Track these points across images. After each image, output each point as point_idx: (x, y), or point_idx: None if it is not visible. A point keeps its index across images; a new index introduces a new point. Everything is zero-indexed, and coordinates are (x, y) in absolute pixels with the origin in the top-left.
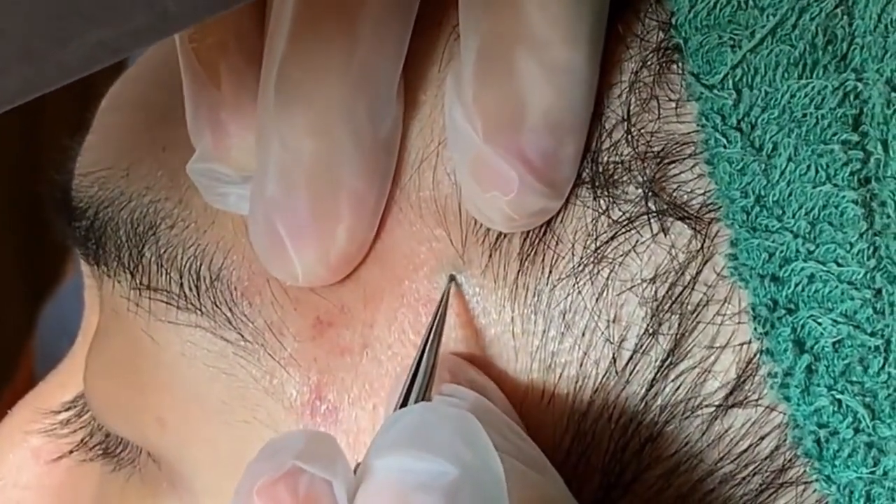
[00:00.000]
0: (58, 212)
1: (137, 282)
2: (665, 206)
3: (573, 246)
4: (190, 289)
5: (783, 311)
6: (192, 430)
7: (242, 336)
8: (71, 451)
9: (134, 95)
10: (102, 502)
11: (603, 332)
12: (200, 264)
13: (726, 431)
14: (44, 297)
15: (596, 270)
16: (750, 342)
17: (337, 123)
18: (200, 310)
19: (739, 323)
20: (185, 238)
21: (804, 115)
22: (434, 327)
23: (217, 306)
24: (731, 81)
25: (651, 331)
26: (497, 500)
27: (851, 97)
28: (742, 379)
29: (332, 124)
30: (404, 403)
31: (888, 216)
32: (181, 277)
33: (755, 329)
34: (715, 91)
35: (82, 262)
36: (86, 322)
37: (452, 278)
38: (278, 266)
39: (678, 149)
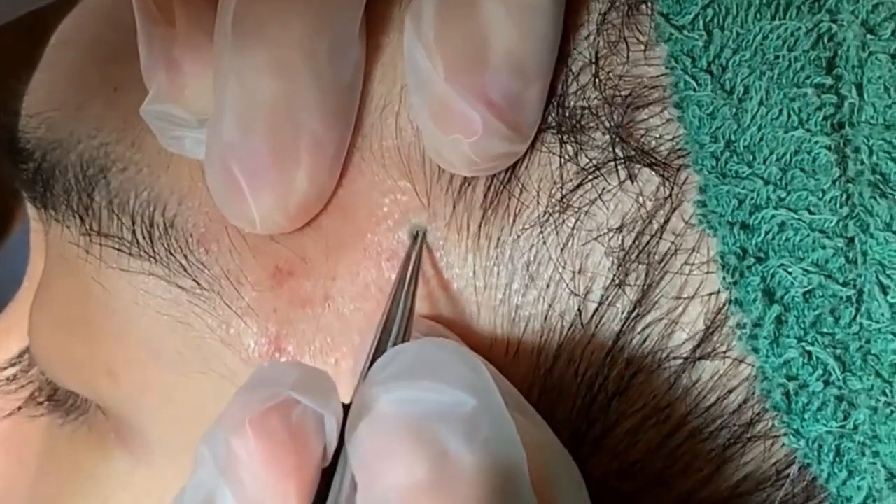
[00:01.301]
0: (4, 153)
1: (87, 227)
2: (633, 153)
3: (538, 194)
4: (143, 235)
5: (753, 260)
6: (145, 382)
7: (198, 284)
8: (19, 408)
9: (85, 33)
10: (50, 453)
11: (568, 284)
12: (154, 210)
13: (694, 385)
14: None
15: (561, 220)
16: (718, 292)
17: (297, 63)
18: (154, 257)
19: (708, 272)
20: (138, 182)
21: (776, 58)
22: (410, 271)
23: (171, 254)
24: (701, 22)
25: (617, 282)
26: (510, 433)
27: (825, 39)
28: (710, 330)
29: (292, 64)
30: (378, 349)
31: (862, 162)
32: (133, 223)
33: (724, 278)
34: (685, 32)
35: (29, 205)
36: (31, 267)
37: (424, 233)
38: (236, 212)
39: (647, 93)
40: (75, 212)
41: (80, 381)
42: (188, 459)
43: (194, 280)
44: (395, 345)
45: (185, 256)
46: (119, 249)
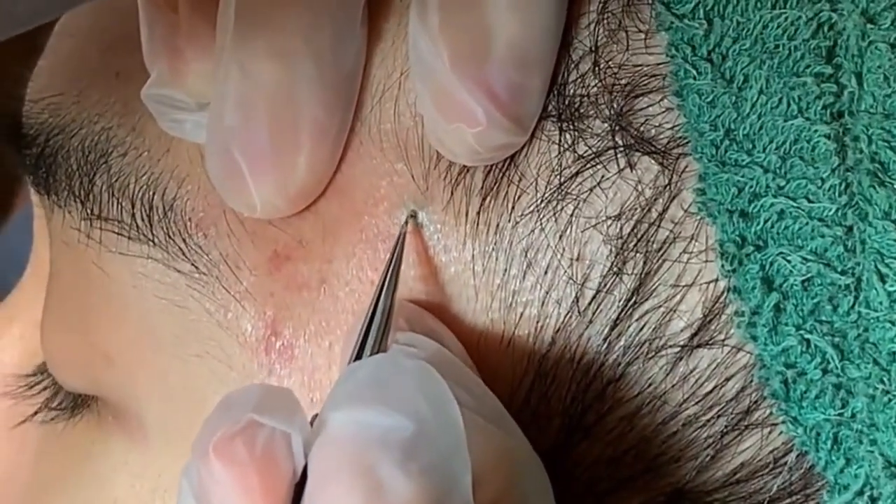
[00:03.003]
0: (8, 139)
1: (88, 211)
2: (632, 141)
3: (536, 181)
4: (142, 219)
5: (752, 248)
6: (142, 365)
7: (196, 268)
8: (35, 413)
9: (88, 20)
10: (49, 435)
11: (566, 271)
12: (153, 194)
13: (691, 372)
14: None
15: (560, 207)
16: (717, 280)
17: (299, 50)
18: (153, 241)
19: (706, 261)
20: (138, 166)
21: (777, 47)
22: (391, 270)
23: (170, 237)
24: (702, 11)
25: (615, 269)
26: (456, 456)
27: (825, 28)
28: (708, 318)
29: (294, 51)
30: (360, 351)
31: (861, 151)
32: (133, 207)
33: (722, 266)
34: (685, 20)
35: (32, 191)
36: (34, 254)
37: (412, 216)
38: (235, 196)
39: (646, 81)
40: (77, 196)
41: (79, 372)
42: (183, 442)
43: (192, 264)
44: (373, 344)
45: (184, 240)
46: (119, 233)
